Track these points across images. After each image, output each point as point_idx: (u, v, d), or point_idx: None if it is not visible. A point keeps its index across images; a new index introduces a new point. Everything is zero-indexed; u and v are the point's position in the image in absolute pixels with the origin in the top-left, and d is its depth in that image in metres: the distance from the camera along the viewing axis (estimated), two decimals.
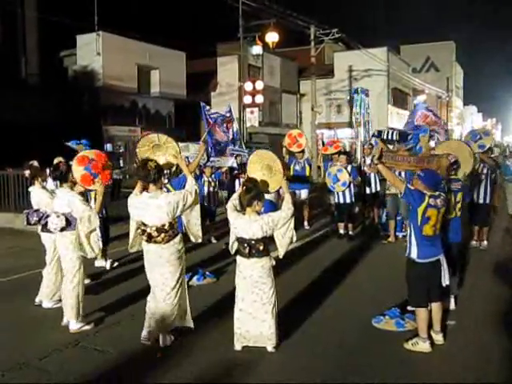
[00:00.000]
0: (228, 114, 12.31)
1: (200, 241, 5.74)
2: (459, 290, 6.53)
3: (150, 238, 5.06)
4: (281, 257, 5.33)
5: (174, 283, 5.13)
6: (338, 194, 10.64)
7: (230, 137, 12.38)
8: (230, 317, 5.13)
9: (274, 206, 8.38)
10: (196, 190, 5.21)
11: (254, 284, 4.91)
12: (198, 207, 5.45)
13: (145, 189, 5.10)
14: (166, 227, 5.02)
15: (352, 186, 10.57)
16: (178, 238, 5.16)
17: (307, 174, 11.90)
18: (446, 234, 5.74)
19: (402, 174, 8.45)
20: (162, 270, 5.09)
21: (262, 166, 5.46)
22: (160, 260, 5.09)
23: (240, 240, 4.93)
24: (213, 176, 10.55)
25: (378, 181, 11.39)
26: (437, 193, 5.00)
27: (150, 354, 5.01)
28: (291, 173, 11.64)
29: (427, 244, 5.01)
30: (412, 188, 5.00)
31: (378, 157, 5.53)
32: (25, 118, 21.85)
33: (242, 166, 11.33)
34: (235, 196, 5.23)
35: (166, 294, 5.12)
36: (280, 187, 5.64)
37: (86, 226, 5.58)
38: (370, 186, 11.45)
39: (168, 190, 7.01)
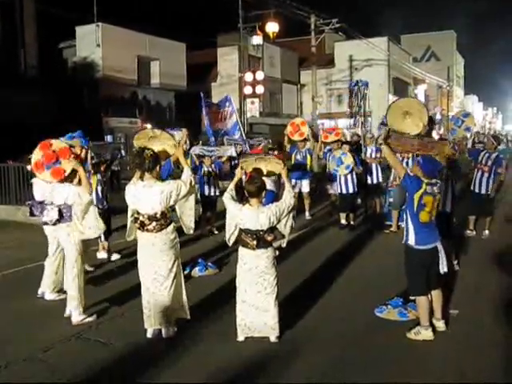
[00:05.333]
0: (227, 104, 12.28)
1: (192, 232, 5.71)
2: (461, 278, 6.52)
3: (142, 226, 5.07)
4: (284, 246, 5.33)
5: (168, 272, 5.12)
6: (340, 184, 10.60)
7: (229, 126, 12.37)
8: (233, 308, 5.13)
9: (275, 196, 8.37)
10: (191, 181, 5.20)
11: (260, 274, 4.91)
12: (192, 198, 5.43)
13: (142, 177, 5.11)
14: (157, 216, 5.02)
15: (354, 175, 10.54)
16: (170, 228, 5.14)
17: (308, 163, 11.86)
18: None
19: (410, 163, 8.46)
20: (155, 258, 5.09)
21: (254, 159, 5.42)
22: (153, 248, 5.09)
23: (246, 232, 4.90)
24: (213, 165, 10.52)
25: (379, 171, 11.38)
26: (434, 180, 5.00)
27: (154, 345, 5.02)
28: (292, 162, 11.61)
29: (424, 230, 5.01)
30: (411, 174, 5.00)
31: (384, 137, 5.47)
32: (24, 110, 21.82)
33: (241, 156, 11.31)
34: (231, 186, 5.20)
35: (160, 285, 5.11)
36: (279, 175, 5.61)
37: (78, 203, 5.61)
38: (371, 175, 11.43)
39: None
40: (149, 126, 25.56)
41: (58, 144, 5.74)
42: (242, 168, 5.41)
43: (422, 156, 5.24)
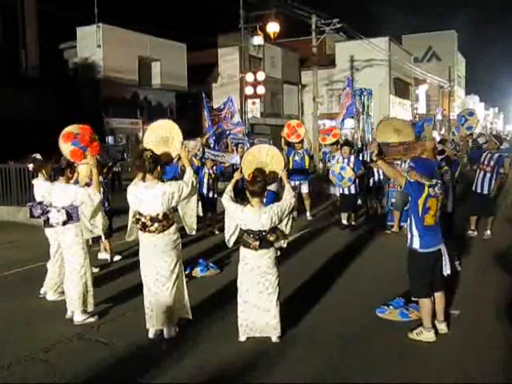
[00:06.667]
0: (230, 104, 12.29)
1: (194, 233, 5.72)
2: (463, 279, 6.52)
3: (144, 228, 5.07)
4: (284, 246, 5.34)
5: (169, 273, 5.12)
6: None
7: (231, 126, 12.39)
8: (234, 308, 5.13)
9: (277, 197, 8.36)
10: (193, 182, 5.20)
11: (262, 275, 4.91)
12: (194, 199, 5.43)
13: (144, 178, 5.11)
14: (159, 217, 5.01)
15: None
16: (172, 229, 5.14)
17: (306, 164, 11.86)
18: None
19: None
20: (157, 259, 5.09)
21: (256, 163, 5.38)
22: (155, 249, 5.09)
23: (248, 232, 4.90)
24: (214, 168, 10.55)
25: (380, 172, 11.37)
26: (434, 181, 5.00)
27: (155, 346, 5.02)
28: (290, 164, 11.63)
29: (429, 234, 5.01)
30: (412, 180, 4.99)
31: (376, 153, 5.45)
32: (25, 111, 21.83)
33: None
34: (230, 188, 5.19)
35: (162, 285, 5.11)
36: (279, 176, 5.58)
37: (89, 204, 5.63)
38: (373, 177, 11.43)
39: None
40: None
41: (96, 138, 5.78)
42: (241, 171, 5.38)
43: (413, 159, 5.24)
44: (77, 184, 6.03)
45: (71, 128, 5.71)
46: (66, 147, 5.66)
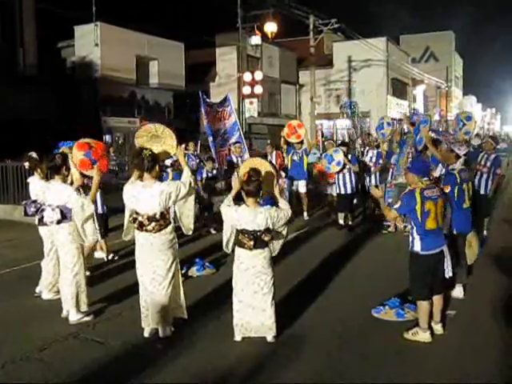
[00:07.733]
0: (226, 103, 12.27)
1: (191, 233, 5.71)
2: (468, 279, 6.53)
3: (141, 227, 5.05)
4: (274, 254, 5.23)
5: (166, 272, 5.11)
6: (339, 184, 10.57)
7: (227, 126, 12.38)
8: (230, 307, 5.12)
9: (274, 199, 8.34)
10: (191, 182, 5.18)
11: (257, 274, 4.90)
12: (191, 199, 5.42)
13: (141, 177, 5.09)
14: (156, 216, 5.00)
15: (352, 175, 10.49)
16: (169, 228, 5.13)
17: (305, 164, 11.87)
18: (457, 225, 5.84)
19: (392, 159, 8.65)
20: (153, 258, 5.08)
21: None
22: (151, 248, 5.07)
23: (243, 232, 4.87)
24: (214, 171, 10.59)
25: (377, 172, 11.36)
26: (427, 182, 5.00)
27: (151, 345, 5.01)
28: (289, 163, 11.65)
29: (430, 236, 4.99)
30: (404, 201, 4.96)
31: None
32: (22, 109, 21.78)
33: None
34: (231, 198, 5.06)
35: (159, 285, 5.10)
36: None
37: (80, 214, 5.61)
38: (370, 177, 11.42)
39: (164, 173, 7.06)
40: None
41: (107, 156, 5.86)
42: (237, 176, 5.34)
43: (412, 161, 5.25)
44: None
45: (89, 140, 5.86)
46: (78, 155, 5.76)
